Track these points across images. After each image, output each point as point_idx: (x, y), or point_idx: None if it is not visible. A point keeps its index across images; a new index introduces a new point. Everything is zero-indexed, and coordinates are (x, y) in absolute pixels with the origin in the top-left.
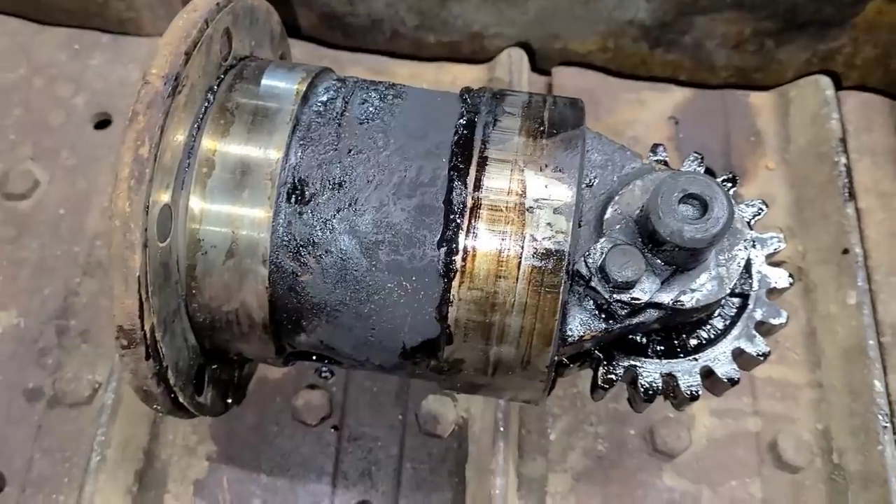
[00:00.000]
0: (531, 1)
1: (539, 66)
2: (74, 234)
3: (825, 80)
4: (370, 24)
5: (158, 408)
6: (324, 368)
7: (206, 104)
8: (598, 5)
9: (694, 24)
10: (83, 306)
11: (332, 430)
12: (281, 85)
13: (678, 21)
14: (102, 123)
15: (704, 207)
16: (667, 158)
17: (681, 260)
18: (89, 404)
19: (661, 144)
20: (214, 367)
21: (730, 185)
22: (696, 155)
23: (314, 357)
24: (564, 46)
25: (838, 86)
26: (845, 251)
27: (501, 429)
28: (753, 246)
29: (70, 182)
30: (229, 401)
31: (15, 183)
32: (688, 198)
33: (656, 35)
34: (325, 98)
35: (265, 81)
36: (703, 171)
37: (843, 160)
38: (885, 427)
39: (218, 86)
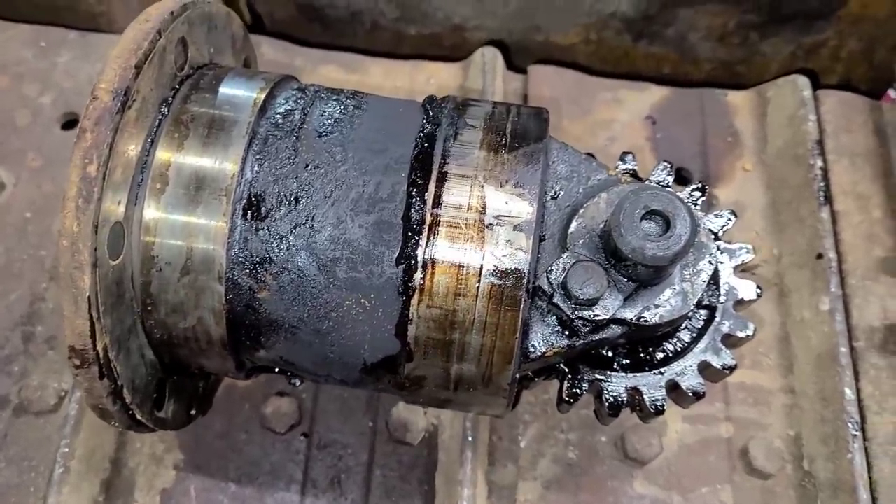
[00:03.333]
0: None
1: (516, 62)
2: (41, 237)
3: (803, 80)
4: (349, 17)
5: (116, 424)
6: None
7: (161, 116)
8: None
9: (677, 16)
10: (50, 312)
11: (302, 437)
12: (239, 94)
13: (662, 13)
14: (70, 124)
15: (667, 224)
16: (636, 167)
17: (644, 276)
18: (56, 412)
19: (629, 153)
20: (176, 379)
21: (699, 194)
22: (665, 164)
23: (276, 371)
24: (546, 39)
25: (817, 86)
26: (819, 256)
27: (470, 438)
28: (722, 255)
29: (36, 184)
30: (193, 412)
31: None
32: (650, 214)
33: (639, 28)
34: (283, 109)
35: (222, 91)
36: (672, 179)
37: (819, 163)
38: (855, 435)
39: (173, 97)
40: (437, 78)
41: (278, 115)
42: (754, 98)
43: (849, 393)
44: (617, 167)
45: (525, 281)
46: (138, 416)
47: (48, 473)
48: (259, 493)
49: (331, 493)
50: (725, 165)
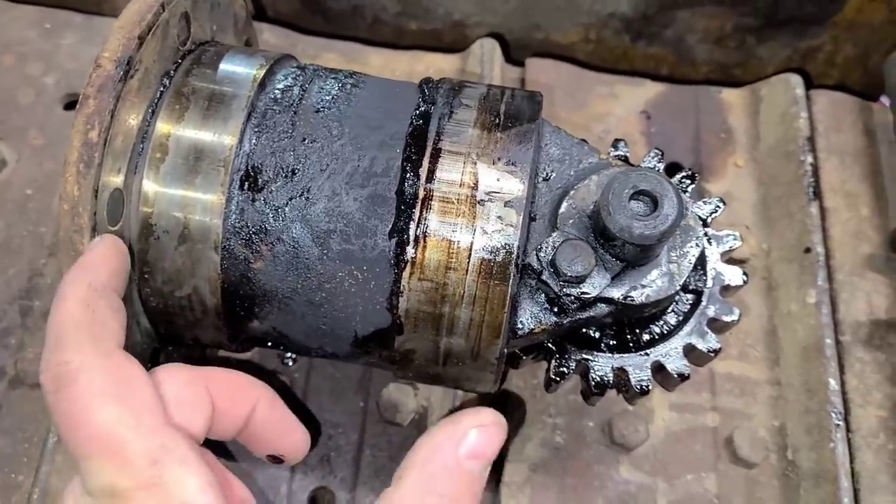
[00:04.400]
0: None
1: (515, 56)
2: (41, 214)
3: (795, 79)
4: (351, 10)
5: None
6: (287, 355)
7: (162, 88)
8: None
9: (676, 18)
10: (48, 287)
11: None
12: (239, 71)
13: (660, 14)
14: (72, 104)
15: (655, 204)
16: (628, 154)
17: (631, 256)
18: None
19: (622, 140)
20: (171, 350)
21: (689, 182)
22: (656, 151)
23: (269, 343)
24: (546, 37)
25: (810, 85)
26: (807, 250)
27: None
28: (709, 243)
29: (38, 162)
30: None
31: None
32: (638, 194)
33: (638, 28)
34: (282, 85)
35: (223, 67)
36: (662, 167)
37: (810, 159)
38: (838, 425)
39: (175, 70)
40: (435, 68)
41: (277, 91)
42: (748, 96)
43: (833, 384)
44: (609, 153)
45: (514, 256)
46: None
47: (42, 444)
48: (249, 469)
49: (320, 471)
50: (718, 161)
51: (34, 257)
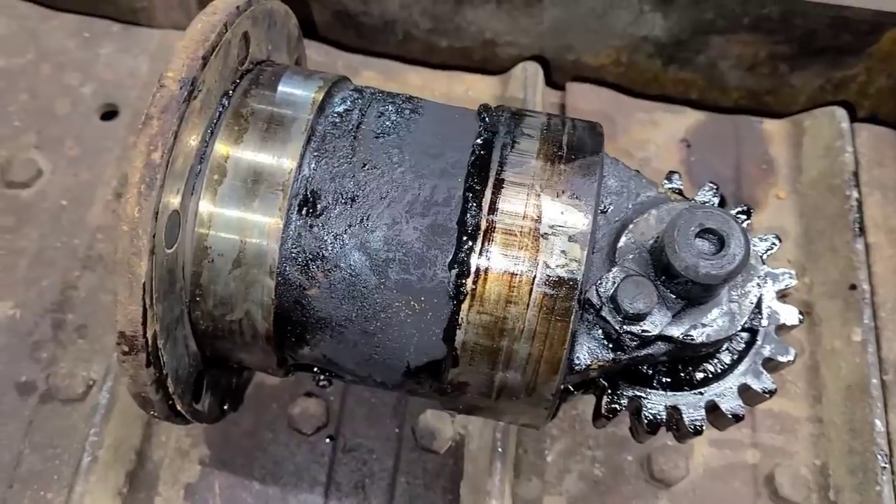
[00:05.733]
0: (546, 11)
1: (553, 79)
2: (75, 226)
3: (841, 112)
4: (383, 25)
5: (155, 414)
6: (322, 377)
7: (221, 109)
8: (612, 19)
9: (709, 43)
10: (81, 300)
11: (328, 440)
12: (297, 93)
13: (693, 40)
14: (109, 114)
15: (721, 243)
16: (681, 187)
17: (694, 294)
18: (82, 401)
19: (676, 172)
20: (213, 373)
21: (744, 217)
22: (711, 185)
23: (315, 370)
24: (577, 59)
25: (853, 118)
26: (853, 287)
27: (500, 449)
28: (765, 281)
29: (73, 173)
30: (226, 407)
31: (17, 171)
32: (704, 232)
33: (671, 52)
34: (341, 109)
35: (281, 88)
36: (717, 201)
37: (855, 194)
38: (884, 468)
39: (233, 90)
40: (474, 90)
41: (336, 115)
42: (790, 127)
43: (879, 424)
44: (663, 185)
45: (577, 292)
46: (178, 407)
47: (72, 462)
48: (283, 494)
49: (354, 498)
50: (759, 192)
51: (68, 269)
